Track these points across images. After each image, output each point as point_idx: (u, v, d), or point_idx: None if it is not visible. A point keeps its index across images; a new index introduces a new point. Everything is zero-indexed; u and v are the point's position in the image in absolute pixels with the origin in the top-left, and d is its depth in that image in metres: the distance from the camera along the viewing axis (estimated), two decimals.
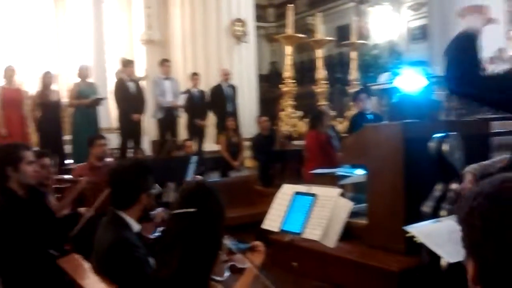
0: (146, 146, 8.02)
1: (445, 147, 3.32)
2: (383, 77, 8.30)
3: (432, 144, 3.37)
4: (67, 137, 7.28)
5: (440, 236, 1.92)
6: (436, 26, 11.68)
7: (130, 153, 7.16)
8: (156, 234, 2.66)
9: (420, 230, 2.08)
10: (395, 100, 4.77)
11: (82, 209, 3.50)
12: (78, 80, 7.34)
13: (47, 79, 7.01)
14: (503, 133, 6.44)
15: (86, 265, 2.24)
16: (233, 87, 8.50)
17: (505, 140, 6.13)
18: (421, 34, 13.18)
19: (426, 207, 3.25)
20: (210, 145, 8.26)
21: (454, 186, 3.20)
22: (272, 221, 2.65)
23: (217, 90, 8.33)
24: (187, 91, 8.04)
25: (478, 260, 0.74)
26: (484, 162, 3.32)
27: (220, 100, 8.25)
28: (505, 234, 0.69)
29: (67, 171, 4.96)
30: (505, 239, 0.69)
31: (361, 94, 6.10)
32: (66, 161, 6.87)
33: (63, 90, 8.21)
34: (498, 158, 3.33)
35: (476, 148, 3.76)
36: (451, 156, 3.33)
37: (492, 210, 0.72)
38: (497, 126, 6.10)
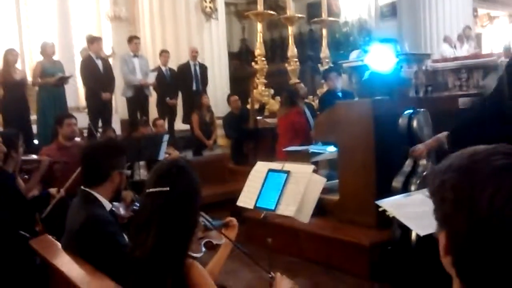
0: (116, 125, 7.89)
1: (414, 123, 3.39)
2: (353, 55, 8.36)
3: (401, 121, 3.44)
4: (33, 117, 7.09)
5: (410, 209, 1.98)
6: (404, 4, 11.80)
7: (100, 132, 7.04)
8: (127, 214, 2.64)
9: (391, 204, 2.13)
10: (365, 77, 4.82)
11: (52, 190, 3.43)
12: (42, 58, 7.10)
13: (10, 57, 6.76)
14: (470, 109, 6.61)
15: (58, 246, 2.22)
16: (202, 66, 8.40)
17: None
18: (390, 12, 13.29)
19: (396, 182, 3.34)
20: (179, 124, 8.18)
21: (423, 161, 3.29)
22: (247, 198, 2.67)
23: (184, 68, 8.21)
24: (157, 69, 7.91)
25: (449, 231, 0.76)
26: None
27: (187, 79, 8.14)
28: (476, 205, 0.71)
29: (35, 152, 4.83)
30: (476, 210, 0.71)
31: (331, 73, 6.13)
32: (34, 142, 6.70)
33: (27, 68, 7.96)
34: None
35: (444, 123, 3.86)
36: (420, 132, 3.41)
37: (463, 182, 0.74)
38: (464, 103, 6.26)
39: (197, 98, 7.64)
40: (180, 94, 8.23)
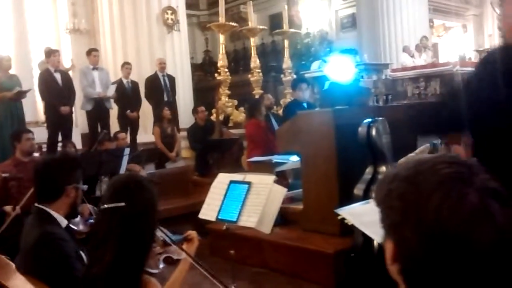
0: (77, 139, 7.71)
1: (373, 131, 3.45)
2: (315, 65, 8.48)
3: (361, 129, 3.49)
4: None
5: (368, 217, 2.00)
6: (363, 15, 12.08)
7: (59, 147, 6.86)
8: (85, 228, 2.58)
9: (350, 212, 2.15)
10: (326, 87, 4.89)
11: (7, 208, 3.32)
12: None
13: None
14: None
15: (12, 266, 2.13)
16: (170, 77, 8.36)
17: None
18: (350, 23, 13.58)
19: (358, 190, 3.38)
20: (146, 136, 8.07)
21: (383, 168, 3.34)
22: (208, 211, 2.65)
23: (153, 80, 8.16)
24: (118, 82, 7.79)
25: (397, 239, 0.77)
26: (409, 156, 3.49)
27: (157, 91, 8.09)
28: (423, 214, 0.72)
29: None
30: (423, 219, 0.72)
31: (302, 83, 6.14)
32: None
33: None
34: (419, 149, 3.53)
35: (403, 131, 3.95)
36: (379, 140, 3.47)
37: (410, 192, 0.75)
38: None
39: (158, 111, 7.57)
40: (144, 106, 8.13)
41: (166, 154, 7.25)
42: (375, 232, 1.85)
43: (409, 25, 11.75)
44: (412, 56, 11.10)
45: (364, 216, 1.99)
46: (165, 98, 8.11)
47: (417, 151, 3.53)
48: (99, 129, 7.25)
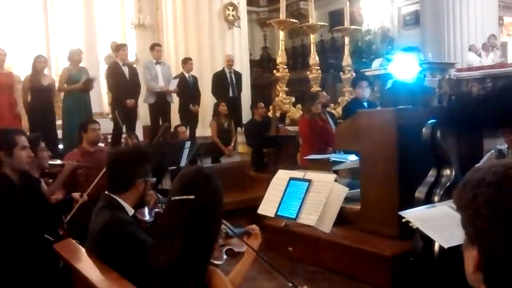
0: (139, 131, 7.98)
1: (438, 133, 3.35)
2: (376, 63, 8.31)
3: (425, 130, 3.40)
4: (58, 122, 7.22)
5: (434, 221, 1.95)
6: (428, 12, 11.69)
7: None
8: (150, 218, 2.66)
9: (415, 216, 2.10)
10: (388, 86, 4.78)
11: (75, 194, 3.49)
12: (68, 64, 7.24)
13: (38, 63, 6.90)
14: None
15: (82, 250, 2.25)
16: (236, 73, 8.50)
17: None
18: (413, 20, 13.18)
19: (420, 193, 3.29)
20: (204, 130, 8.24)
21: (447, 171, 3.24)
22: (268, 206, 2.68)
23: (220, 76, 8.32)
24: (180, 76, 7.98)
25: (483, 248, 0.74)
26: (477, 165, 3.36)
27: (222, 86, 8.24)
28: None
29: (60, 156, 4.92)
30: None
31: (362, 81, 6.03)
32: (59, 147, 6.81)
33: (54, 74, 8.10)
34: (485, 158, 3.40)
35: (468, 134, 3.80)
36: (444, 142, 3.36)
37: (499, 198, 0.72)
38: None
39: (215, 105, 7.71)
40: (203, 101, 8.29)
41: (221, 149, 7.35)
42: (442, 237, 1.80)
43: (477, 22, 11.24)
44: (479, 56, 10.62)
45: (430, 220, 1.94)
46: (230, 94, 8.27)
47: (484, 159, 3.40)
48: (160, 122, 7.46)
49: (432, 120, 3.44)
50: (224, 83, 8.28)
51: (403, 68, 4.04)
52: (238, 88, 8.48)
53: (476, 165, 0.79)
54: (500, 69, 9.04)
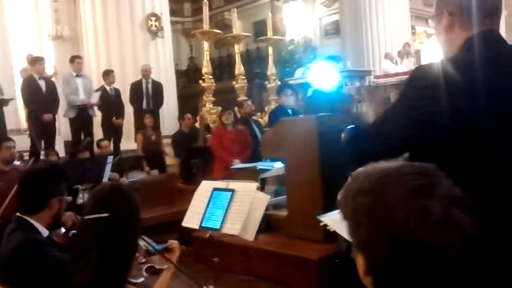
0: (59, 147, 7.64)
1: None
2: (299, 72, 8.54)
3: (343, 136, 3.52)
4: None
5: None
6: (347, 22, 12.22)
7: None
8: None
9: (332, 219, 2.17)
10: (309, 94, 4.92)
11: None
12: None
13: None
14: None
15: None
16: (155, 84, 8.35)
17: None
18: (333, 30, 13.70)
19: (341, 196, 3.40)
20: (129, 143, 8.03)
21: None
22: (192, 218, 2.65)
23: (136, 86, 8.15)
24: (101, 89, 7.75)
25: (368, 254, 0.78)
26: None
27: (138, 97, 8.06)
28: (392, 229, 0.73)
29: None
30: (392, 234, 0.73)
31: (287, 89, 6.20)
32: None
33: None
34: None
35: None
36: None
37: (377, 207, 0.76)
38: None
39: (139, 118, 7.57)
40: (127, 114, 8.09)
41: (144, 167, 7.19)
42: None
43: (392, 32, 11.91)
44: (395, 63, 11.23)
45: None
46: (144, 106, 8.09)
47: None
48: (82, 137, 7.20)
49: (350, 126, 3.58)
50: (139, 94, 8.13)
51: (323, 77, 4.17)
52: (157, 98, 8.32)
53: (356, 171, 0.82)
54: None
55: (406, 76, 9.12)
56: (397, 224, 0.73)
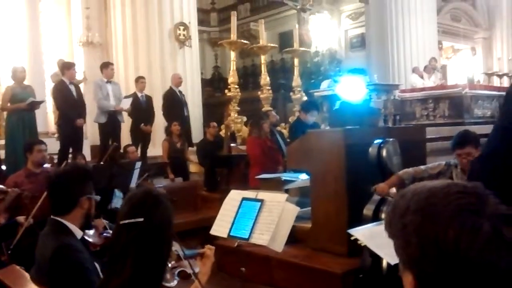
0: (86, 151, 7.78)
1: (383, 152, 3.48)
2: (324, 84, 8.54)
3: (371, 150, 3.52)
4: (1, 142, 6.93)
5: (381, 238, 2.02)
6: (373, 35, 12.19)
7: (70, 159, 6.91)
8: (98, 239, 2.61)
9: (363, 233, 2.17)
10: (336, 107, 4.92)
11: (20, 218, 3.36)
12: (12, 83, 6.99)
13: None
14: (436, 139, 6.82)
15: (27, 276, 2.16)
16: (180, 93, 8.47)
17: (438, 145, 6.50)
18: (359, 43, 13.71)
19: (367, 210, 3.39)
20: (155, 150, 8.13)
21: (393, 190, 3.36)
22: (220, 227, 2.68)
23: (171, 95, 8.26)
24: (132, 95, 7.88)
25: (417, 272, 0.79)
26: (418, 167, 3.51)
27: (176, 106, 8.18)
28: (442, 247, 0.75)
29: (3, 178, 4.71)
30: (443, 253, 0.75)
31: (314, 111, 6.16)
32: (2, 167, 6.52)
33: None
34: (432, 165, 3.54)
35: (413, 153, 3.97)
36: (389, 160, 3.50)
37: (426, 226, 0.77)
38: (431, 132, 6.45)
39: (168, 125, 7.65)
40: (157, 120, 8.20)
41: (168, 174, 7.26)
42: (389, 254, 1.87)
43: (418, 46, 11.82)
44: (422, 78, 11.14)
45: (377, 238, 2.01)
46: (185, 113, 8.22)
47: (429, 165, 3.55)
48: (110, 142, 7.31)
49: (378, 140, 3.57)
50: (177, 103, 8.23)
51: (350, 90, 4.17)
52: (186, 107, 8.47)
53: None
54: (441, 91, 9.53)
55: (432, 92, 9.05)
56: (448, 243, 0.74)
